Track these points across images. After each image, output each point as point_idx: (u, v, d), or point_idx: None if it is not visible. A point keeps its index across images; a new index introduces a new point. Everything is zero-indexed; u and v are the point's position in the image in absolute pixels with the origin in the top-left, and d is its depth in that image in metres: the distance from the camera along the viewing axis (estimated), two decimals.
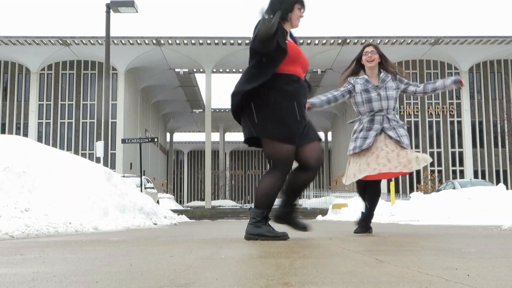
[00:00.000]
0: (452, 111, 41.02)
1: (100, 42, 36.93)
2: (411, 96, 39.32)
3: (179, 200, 63.80)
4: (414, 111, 40.41)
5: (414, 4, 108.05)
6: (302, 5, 4.01)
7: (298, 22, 4.04)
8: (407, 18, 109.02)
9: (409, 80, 5.26)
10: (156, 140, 23.04)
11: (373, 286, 1.58)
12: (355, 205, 18.00)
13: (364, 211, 5.30)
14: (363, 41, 38.22)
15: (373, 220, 5.55)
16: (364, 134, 4.97)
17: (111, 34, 17.57)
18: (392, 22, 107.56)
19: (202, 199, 48.59)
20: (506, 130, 39.86)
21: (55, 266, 2.28)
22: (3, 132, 38.60)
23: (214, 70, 42.93)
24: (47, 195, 7.99)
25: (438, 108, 40.92)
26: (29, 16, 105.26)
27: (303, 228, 4.12)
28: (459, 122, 40.92)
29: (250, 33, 3.93)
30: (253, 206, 3.86)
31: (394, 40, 37.42)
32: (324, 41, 38.72)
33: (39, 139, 37.61)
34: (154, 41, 38.12)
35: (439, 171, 40.40)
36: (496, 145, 40.64)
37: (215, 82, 78.95)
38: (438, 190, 20.35)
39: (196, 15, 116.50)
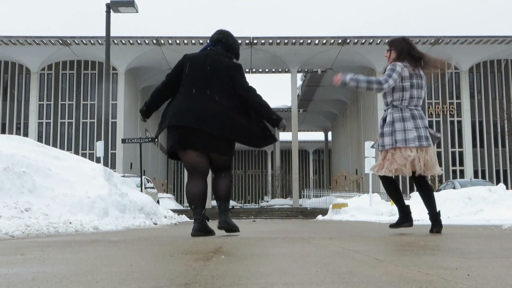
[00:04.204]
0: (452, 111, 40.99)
1: (100, 42, 36.90)
2: None
3: (179, 200, 63.66)
4: None
5: (414, 4, 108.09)
6: None
7: None
8: (407, 18, 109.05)
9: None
10: (156, 140, 23.03)
11: (373, 286, 1.58)
12: (355, 205, 18.00)
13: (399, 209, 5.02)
14: (363, 41, 38.20)
15: (372, 220, 5.52)
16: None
17: (111, 34, 17.53)
18: (391, 22, 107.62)
19: None
20: (506, 130, 39.81)
21: (55, 266, 2.28)
22: (3, 132, 38.53)
23: None
24: (47, 195, 7.99)
25: (438, 108, 40.89)
26: (29, 15, 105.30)
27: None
28: (459, 122, 40.89)
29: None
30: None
31: None
32: (324, 41, 38.67)
33: (39, 139, 37.54)
34: (154, 41, 38.10)
35: None
36: (496, 145, 40.60)
37: None
38: (438, 190, 20.32)
39: (196, 15, 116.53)
